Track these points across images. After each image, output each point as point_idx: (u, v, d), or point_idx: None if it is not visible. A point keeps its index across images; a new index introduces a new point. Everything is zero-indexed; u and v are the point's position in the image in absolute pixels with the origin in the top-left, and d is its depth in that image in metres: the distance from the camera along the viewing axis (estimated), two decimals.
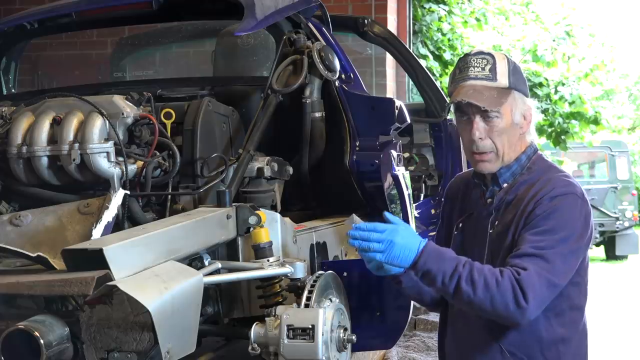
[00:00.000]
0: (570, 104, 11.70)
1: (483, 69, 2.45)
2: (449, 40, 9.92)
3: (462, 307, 2.39)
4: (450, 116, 5.03)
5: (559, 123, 11.69)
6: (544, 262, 2.29)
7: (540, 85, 11.52)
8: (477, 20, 10.73)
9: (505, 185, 2.51)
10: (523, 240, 2.35)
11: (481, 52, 2.50)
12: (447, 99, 4.12)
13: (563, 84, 11.78)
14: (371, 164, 3.67)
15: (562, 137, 11.85)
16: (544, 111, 11.61)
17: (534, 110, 2.53)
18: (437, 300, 2.63)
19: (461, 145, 4.78)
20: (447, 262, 2.31)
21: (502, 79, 2.45)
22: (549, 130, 11.83)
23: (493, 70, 2.45)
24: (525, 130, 2.51)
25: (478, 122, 2.44)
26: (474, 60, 2.46)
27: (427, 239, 2.35)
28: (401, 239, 2.30)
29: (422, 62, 8.93)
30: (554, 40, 12.25)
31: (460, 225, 2.60)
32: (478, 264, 2.31)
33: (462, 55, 2.55)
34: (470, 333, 2.48)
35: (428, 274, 2.31)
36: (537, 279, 2.26)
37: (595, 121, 12.08)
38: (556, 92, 11.70)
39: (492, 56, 2.47)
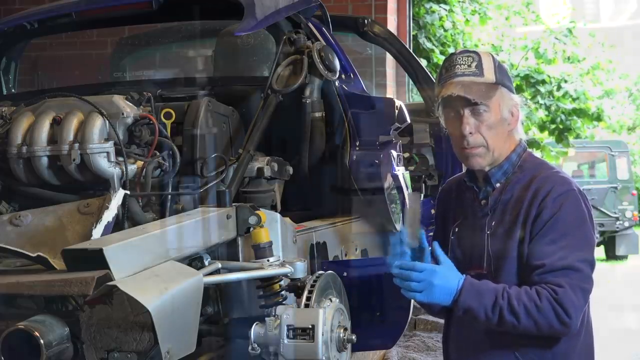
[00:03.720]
0: (574, 100, 11.71)
1: (469, 66, 2.47)
2: (452, 36, 9.92)
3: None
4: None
5: (561, 120, 11.72)
6: (574, 273, 2.33)
7: (543, 82, 11.54)
8: (475, 12, 10.74)
9: (498, 185, 2.51)
10: (542, 252, 2.37)
11: (466, 51, 2.53)
12: None
13: (565, 81, 11.81)
14: (371, 164, 3.67)
15: (565, 133, 11.88)
16: (547, 108, 11.63)
17: (520, 107, 2.55)
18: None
19: None
20: (486, 296, 2.34)
21: (489, 75, 2.46)
22: (551, 127, 11.84)
23: (479, 66, 2.46)
24: (513, 127, 2.51)
25: (468, 116, 2.45)
26: (459, 59, 2.48)
27: (464, 276, 2.38)
28: (439, 279, 2.35)
29: (426, 60, 8.96)
30: (556, 38, 12.25)
31: (457, 230, 2.60)
32: (514, 289, 2.34)
33: (447, 56, 2.56)
34: (480, 334, 2.48)
35: (470, 311, 2.36)
36: (573, 293, 2.32)
37: (598, 117, 12.13)
38: (558, 88, 11.71)
39: (477, 54, 2.50)
